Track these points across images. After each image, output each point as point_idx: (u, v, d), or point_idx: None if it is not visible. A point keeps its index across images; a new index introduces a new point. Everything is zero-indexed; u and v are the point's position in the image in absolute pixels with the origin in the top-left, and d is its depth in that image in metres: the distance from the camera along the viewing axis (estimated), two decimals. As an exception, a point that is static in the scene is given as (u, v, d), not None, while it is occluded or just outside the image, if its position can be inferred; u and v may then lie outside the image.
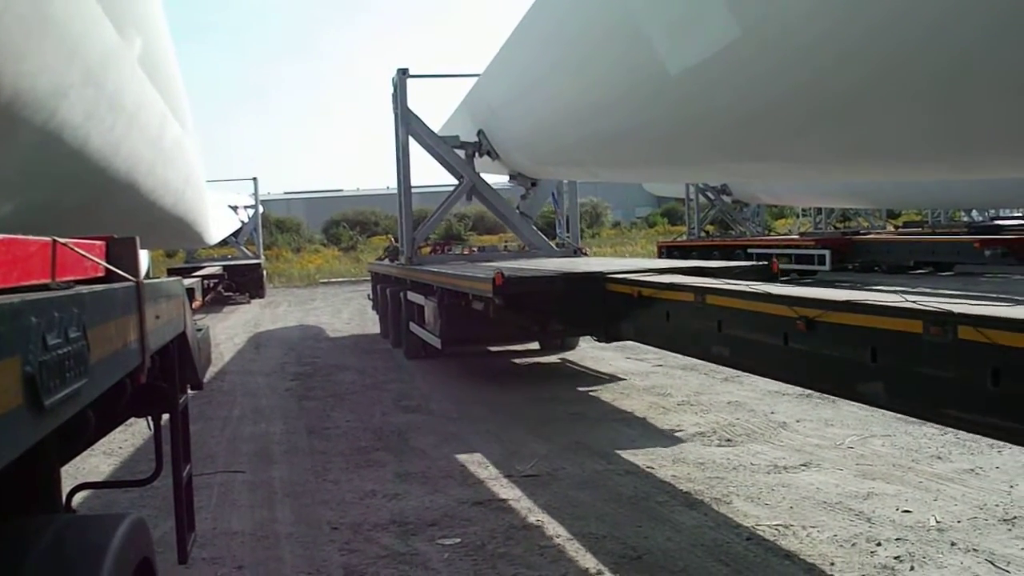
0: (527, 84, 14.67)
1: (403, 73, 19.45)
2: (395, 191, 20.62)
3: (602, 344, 17.33)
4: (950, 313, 5.48)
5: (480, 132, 18.76)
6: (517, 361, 17.56)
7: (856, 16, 5.93)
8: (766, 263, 13.35)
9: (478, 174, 19.85)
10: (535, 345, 18.64)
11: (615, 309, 11.43)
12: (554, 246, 20.34)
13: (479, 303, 13.34)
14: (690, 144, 10.29)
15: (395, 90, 19.53)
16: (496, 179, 21.35)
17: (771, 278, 11.44)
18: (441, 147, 19.53)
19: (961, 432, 9.24)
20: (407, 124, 19.33)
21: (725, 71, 7.56)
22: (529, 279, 12.71)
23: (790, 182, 31.33)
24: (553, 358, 17.66)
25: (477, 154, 19.24)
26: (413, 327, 17.91)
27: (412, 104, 19.19)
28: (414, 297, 17.61)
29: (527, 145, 16.65)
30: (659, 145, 11.05)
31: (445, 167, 19.72)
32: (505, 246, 22.29)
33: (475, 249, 23.52)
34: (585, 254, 20.33)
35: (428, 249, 21.51)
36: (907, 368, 5.90)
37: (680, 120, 9.42)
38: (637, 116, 10.37)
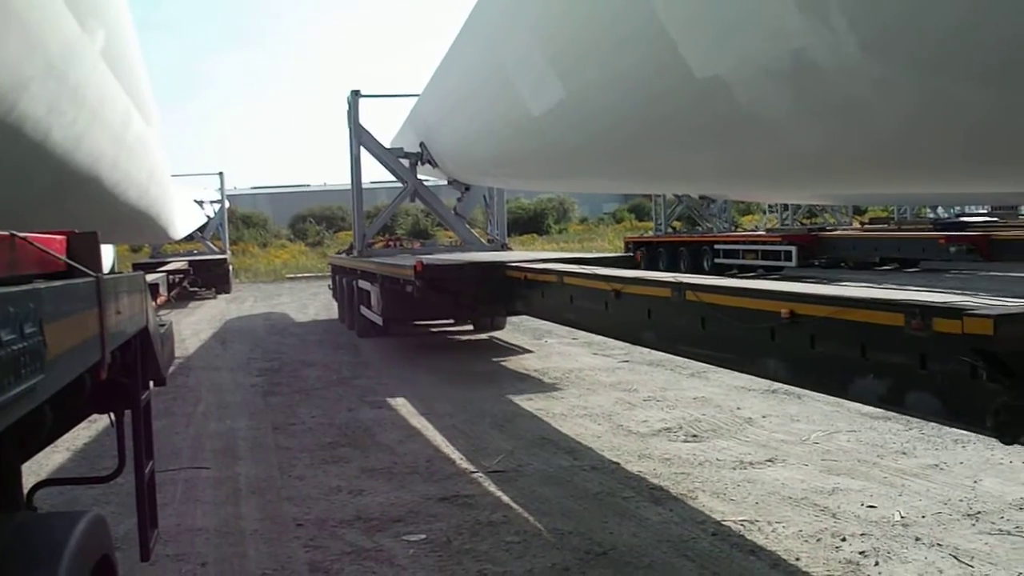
0: (452, 107, 17.23)
1: (356, 94, 22.35)
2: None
3: (569, 340, 17.61)
4: (680, 283, 8.43)
5: (422, 144, 21.24)
6: (480, 355, 17.58)
7: (616, 88, 8.40)
8: (631, 255, 17.16)
9: (420, 180, 22.90)
10: (470, 326, 21.65)
11: (511, 290, 14.58)
12: (485, 241, 23.24)
13: (409, 286, 15.90)
14: (551, 165, 13.54)
15: (349, 108, 22.35)
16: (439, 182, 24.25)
17: (634, 267, 14.99)
18: (388, 157, 22.53)
19: (926, 428, 9.40)
20: (359, 138, 22.30)
21: (561, 117, 10.07)
22: (443, 266, 15.92)
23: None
24: (489, 339, 17.74)
25: (420, 162, 21.95)
26: (363, 309, 20.62)
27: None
28: (363, 284, 20.33)
29: (455, 158, 19.46)
30: (531, 166, 14.57)
31: (392, 173, 22.80)
32: (451, 241, 24.97)
33: (422, 243, 27.30)
34: (510, 248, 23.25)
35: (382, 244, 24.64)
36: (665, 321, 8.89)
37: (540, 149, 12.27)
38: (512, 144, 13.43)
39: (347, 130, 22.57)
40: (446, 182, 23.12)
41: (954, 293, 6.18)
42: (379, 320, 18.99)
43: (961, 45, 4.42)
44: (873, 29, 4.82)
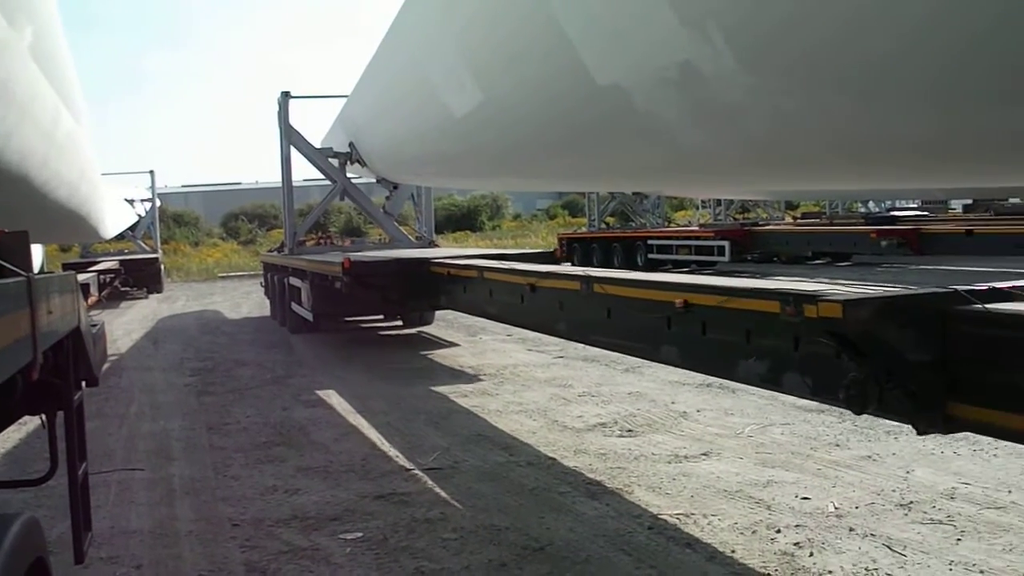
0: (380, 109, 17.49)
1: (286, 95, 22.61)
2: (294, 184, 23.76)
3: (503, 336, 17.68)
4: (589, 276, 8.98)
5: (351, 143, 21.47)
6: (415, 352, 17.58)
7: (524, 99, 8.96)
8: (551, 251, 17.88)
9: (349, 179, 23.05)
10: (400, 322, 22.10)
11: (435, 285, 15.15)
12: (413, 239, 23.49)
13: (337, 282, 16.39)
14: (472, 165, 13.95)
15: (280, 109, 22.63)
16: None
17: (554, 262, 15.22)
18: (318, 157, 22.79)
19: (859, 420, 9.48)
20: (289, 138, 22.55)
21: (481, 119, 10.41)
22: (369, 263, 16.70)
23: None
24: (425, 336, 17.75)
25: (349, 162, 22.16)
26: (294, 306, 20.90)
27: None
28: (294, 281, 20.67)
29: (383, 157, 19.84)
30: (454, 166, 15.16)
31: (322, 173, 23.12)
32: (381, 239, 25.47)
33: (352, 241, 28.28)
34: (437, 245, 23.35)
35: (313, 241, 25.28)
36: (575, 312, 9.36)
37: (463, 149, 12.63)
38: (437, 145, 13.72)
39: (278, 130, 22.80)
40: (375, 181, 23.58)
41: (834, 283, 6.61)
42: (309, 316, 19.46)
43: (820, 57, 4.79)
44: (745, 43, 5.16)
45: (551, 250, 17.70)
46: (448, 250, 21.40)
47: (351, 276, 15.89)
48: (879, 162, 6.36)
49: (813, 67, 4.91)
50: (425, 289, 15.59)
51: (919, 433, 5.47)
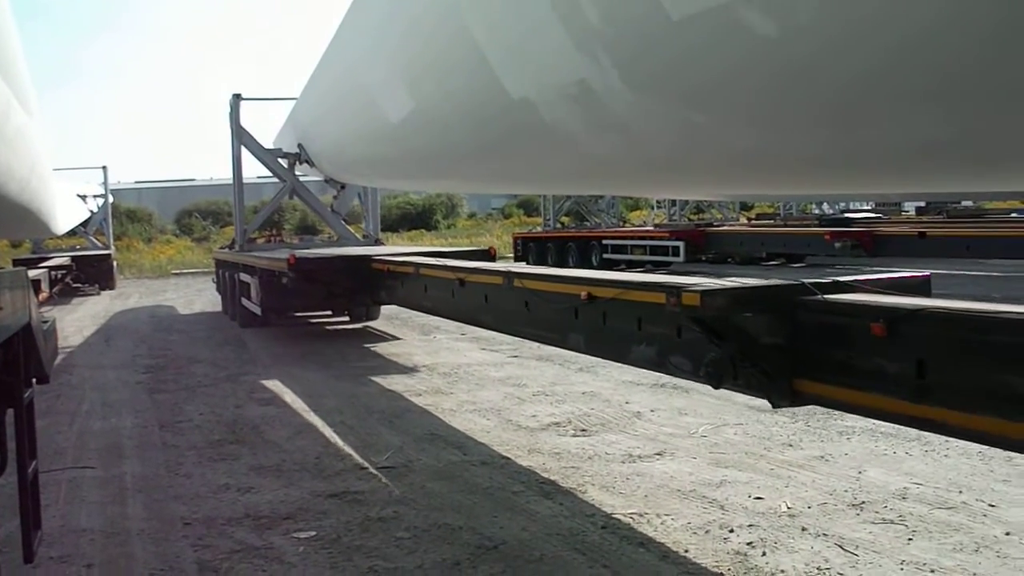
0: (325, 112, 17.83)
1: (237, 97, 23.43)
2: (248, 181, 24.64)
3: (457, 335, 17.73)
4: (509, 272, 10.22)
5: (300, 144, 22.05)
6: (369, 350, 17.54)
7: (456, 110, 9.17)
8: (487, 249, 18.05)
9: (298, 178, 23.92)
10: (347, 317, 22.54)
11: (376, 281, 16.39)
12: (360, 237, 24.62)
13: (284, 278, 17.30)
14: (408, 167, 14.41)
15: (231, 111, 23.44)
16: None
17: (490, 260, 16.19)
18: (268, 157, 23.69)
19: (812, 420, 9.64)
20: (240, 139, 23.37)
21: (412, 126, 10.74)
22: (314, 259, 17.85)
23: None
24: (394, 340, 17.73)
25: (298, 162, 22.85)
26: (244, 301, 21.46)
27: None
28: (244, 277, 21.21)
29: (329, 159, 20.50)
30: (391, 169, 15.77)
31: (272, 172, 24.14)
32: (329, 237, 26.29)
33: (301, 238, 29.94)
34: (382, 243, 24.52)
35: (264, 239, 26.02)
36: (499, 305, 10.38)
37: (399, 153, 13.01)
38: (377, 148, 14.34)
39: (229, 130, 23.37)
40: (324, 180, 24.30)
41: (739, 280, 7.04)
42: (258, 311, 20.11)
43: (692, 76, 5.09)
44: (634, 64, 5.44)
45: (487, 249, 18.15)
46: (391, 248, 22.22)
47: (296, 272, 16.88)
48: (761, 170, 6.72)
49: (693, 86, 5.17)
50: (367, 285, 16.83)
51: (774, 406, 6.32)
